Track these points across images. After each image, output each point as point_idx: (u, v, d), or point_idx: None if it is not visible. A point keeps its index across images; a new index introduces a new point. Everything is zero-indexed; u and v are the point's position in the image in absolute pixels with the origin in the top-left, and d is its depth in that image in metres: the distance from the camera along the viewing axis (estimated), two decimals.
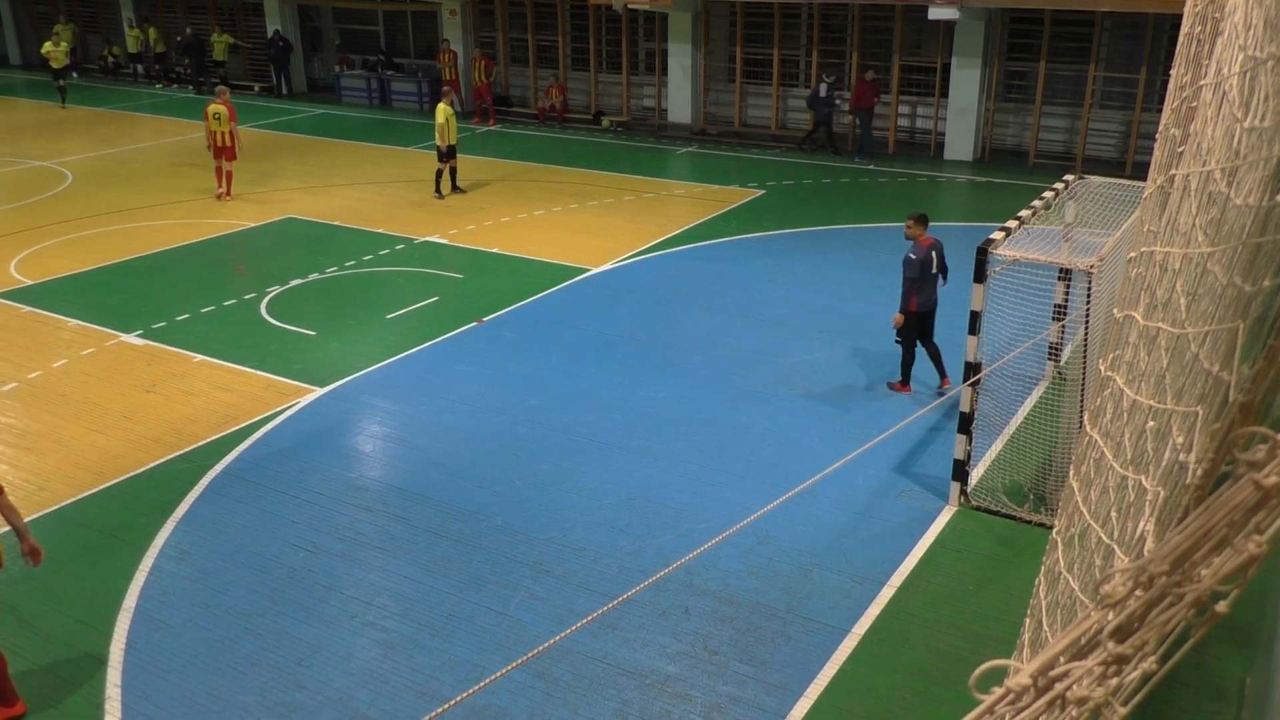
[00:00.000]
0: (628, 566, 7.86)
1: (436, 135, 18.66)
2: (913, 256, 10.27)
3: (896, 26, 22.11)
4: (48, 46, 28.55)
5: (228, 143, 18.52)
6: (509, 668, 4.67)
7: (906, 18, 21.97)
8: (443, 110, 18.48)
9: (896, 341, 10.71)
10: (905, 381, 10.77)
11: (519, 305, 13.45)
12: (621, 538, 8.26)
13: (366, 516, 8.63)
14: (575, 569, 7.86)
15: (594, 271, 14.75)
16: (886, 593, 7.58)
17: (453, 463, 9.48)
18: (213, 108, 18.46)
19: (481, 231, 16.76)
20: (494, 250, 15.82)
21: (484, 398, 10.77)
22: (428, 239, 16.35)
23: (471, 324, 12.80)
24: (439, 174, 18.99)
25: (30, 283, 14.37)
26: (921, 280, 10.26)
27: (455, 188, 19.22)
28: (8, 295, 13.86)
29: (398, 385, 11.13)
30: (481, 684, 4.56)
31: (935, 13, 20.27)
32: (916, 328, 10.48)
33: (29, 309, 13.35)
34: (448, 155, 18.81)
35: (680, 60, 24.25)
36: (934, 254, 10.35)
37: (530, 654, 4.80)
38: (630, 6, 23.54)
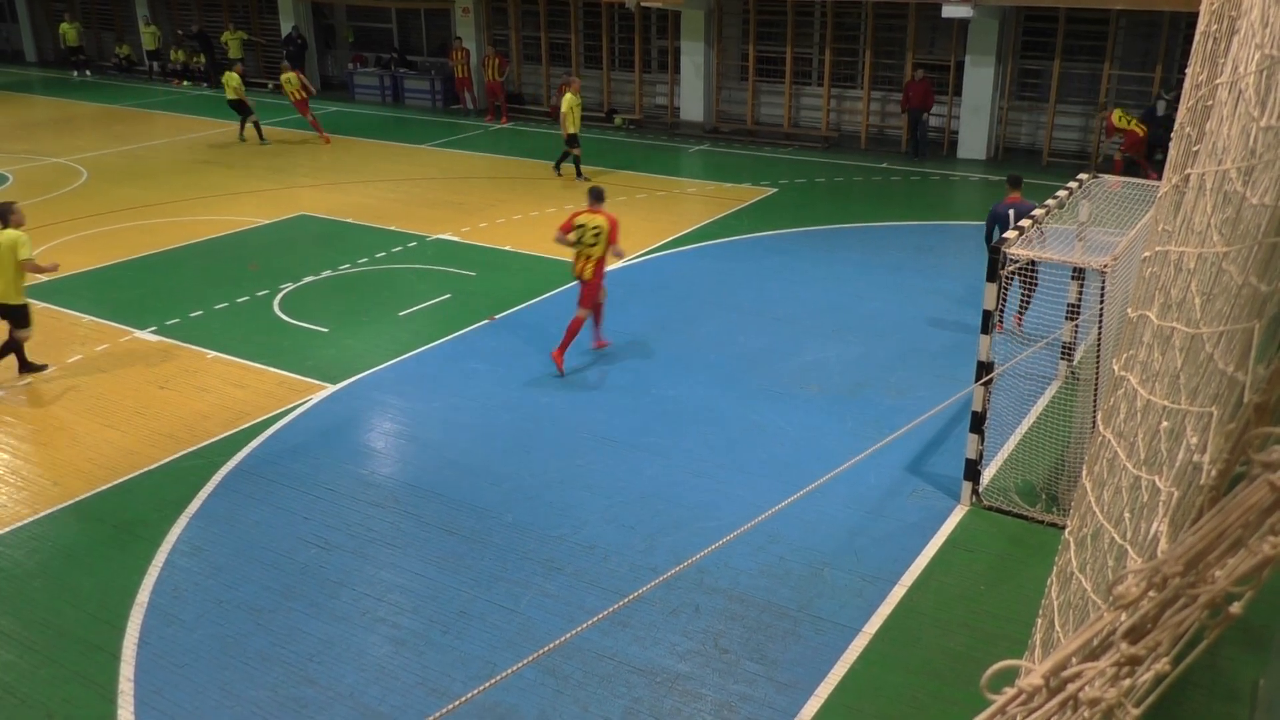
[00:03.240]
0: (638, 564, 7.86)
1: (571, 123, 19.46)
2: (990, 207, 11.65)
3: (910, 24, 22.04)
4: (233, 80, 22.68)
5: (300, 96, 23.35)
6: (519, 665, 4.68)
7: (920, 15, 21.90)
8: (566, 100, 19.40)
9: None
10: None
11: (531, 303, 13.46)
12: (632, 536, 8.26)
13: (378, 513, 8.66)
14: (586, 567, 7.87)
15: (607, 270, 14.71)
16: (898, 592, 7.57)
17: (464, 460, 9.49)
18: (284, 75, 23.48)
19: (494, 229, 16.78)
20: (506, 248, 15.83)
21: (495, 395, 10.78)
22: (440, 236, 16.38)
23: (483, 321, 12.82)
24: (574, 159, 19.88)
25: (45, 279, 14.44)
26: (1002, 231, 10.48)
27: (579, 175, 19.83)
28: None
29: (409, 382, 11.16)
30: (492, 681, 4.57)
31: (949, 10, 20.18)
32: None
33: (44, 304, 13.42)
34: (570, 142, 19.66)
35: (693, 58, 24.22)
36: (1012, 212, 10.90)
37: (541, 651, 4.80)
38: (643, 4, 23.51)
